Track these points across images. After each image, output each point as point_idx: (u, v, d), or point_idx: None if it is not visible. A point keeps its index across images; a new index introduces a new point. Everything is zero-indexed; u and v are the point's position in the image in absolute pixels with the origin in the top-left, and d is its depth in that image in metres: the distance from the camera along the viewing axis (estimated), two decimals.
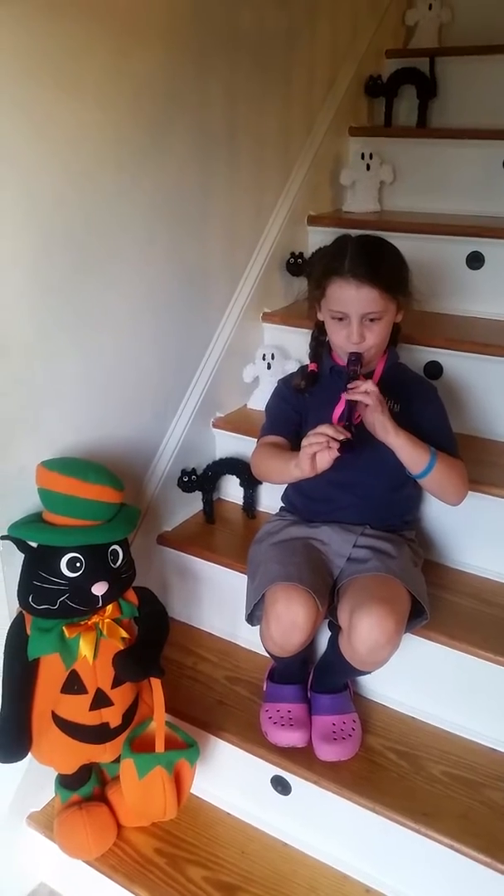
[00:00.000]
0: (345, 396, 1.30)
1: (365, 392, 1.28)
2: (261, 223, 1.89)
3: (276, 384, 1.57)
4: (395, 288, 1.34)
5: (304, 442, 1.28)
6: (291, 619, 1.26)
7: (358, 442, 1.27)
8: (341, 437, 1.24)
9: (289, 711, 1.42)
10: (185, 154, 1.57)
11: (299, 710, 1.42)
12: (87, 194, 1.34)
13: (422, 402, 1.44)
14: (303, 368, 1.52)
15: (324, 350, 1.48)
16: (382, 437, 1.31)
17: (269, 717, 1.41)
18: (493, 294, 1.87)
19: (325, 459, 1.27)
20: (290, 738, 1.38)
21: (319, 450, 1.26)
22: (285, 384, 1.53)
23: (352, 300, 1.31)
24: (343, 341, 1.35)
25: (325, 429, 1.26)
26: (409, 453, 1.33)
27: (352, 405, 1.30)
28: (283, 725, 1.39)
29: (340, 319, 1.35)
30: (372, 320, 1.33)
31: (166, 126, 1.50)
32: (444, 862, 1.25)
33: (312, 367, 1.48)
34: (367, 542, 1.39)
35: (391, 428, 1.30)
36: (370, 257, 1.32)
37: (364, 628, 1.21)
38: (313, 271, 1.42)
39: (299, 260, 1.96)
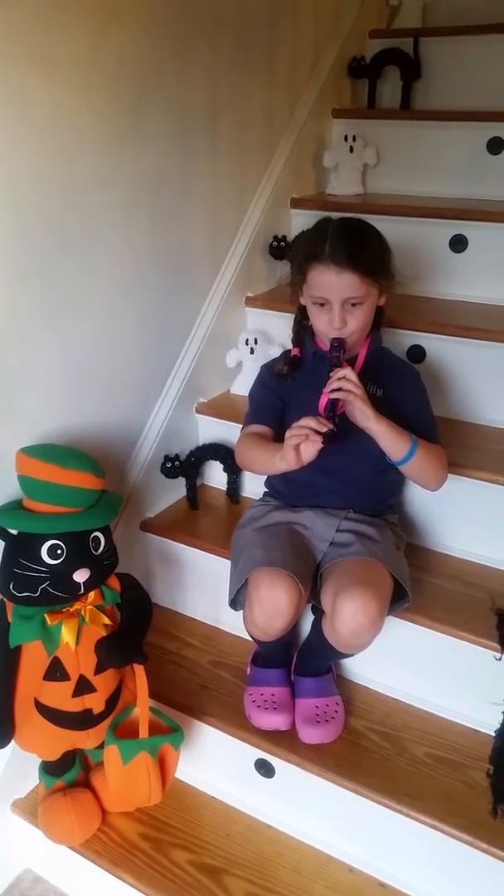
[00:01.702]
0: (325, 392, 1.30)
1: (343, 378, 1.28)
2: (243, 206, 1.88)
3: (259, 370, 1.56)
4: (377, 272, 1.33)
5: (288, 433, 1.28)
6: (274, 603, 1.26)
7: (343, 433, 1.27)
8: (324, 430, 1.24)
9: (272, 695, 1.42)
10: (165, 136, 1.55)
11: (283, 693, 1.43)
12: (66, 176, 1.32)
13: (404, 387, 1.44)
14: (286, 353, 1.51)
15: (307, 335, 1.47)
16: (363, 423, 1.31)
17: (253, 701, 1.42)
18: (477, 277, 1.87)
19: (310, 451, 1.27)
20: (274, 721, 1.39)
21: (302, 441, 1.26)
22: (268, 370, 1.52)
23: (332, 286, 1.30)
24: (325, 327, 1.35)
25: (307, 421, 1.26)
26: (389, 441, 1.33)
27: (335, 405, 1.29)
28: (266, 709, 1.40)
29: (322, 305, 1.34)
30: (354, 304, 1.32)
31: (146, 108, 1.48)
32: (426, 842, 1.26)
33: (295, 351, 1.48)
34: (350, 525, 1.39)
35: (371, 415, 1.30)
36: (351, 241, 1.31)
37: (347, 611, 1.21)
38: (295, 256, 1.41)
39: (282, 243, 1.95)
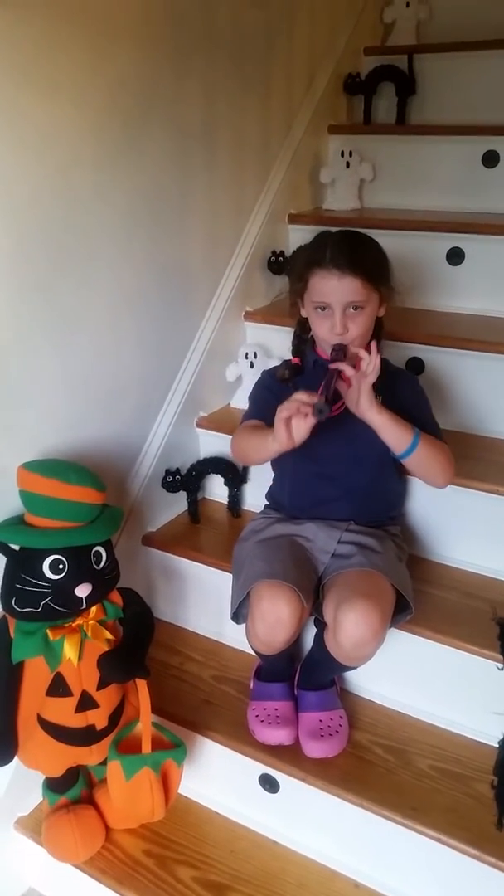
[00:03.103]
0: (331, 367, 1.31)
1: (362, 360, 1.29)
2: (241, 222, 1.89)
3: (259, 375, 1.57)
4: (377, 278, 1.35)
5: (278, 409, 1.26)
6: (276, 616, 1.26)
7: (333, 406, 1.26)
8: (314, 401, 1.22)
9: (276, 709, 1.42)
10: (163, 153, 1.56)
11: (286, 707, 1.42)
12: (64, 193, 1.34)
13: (405, 392, 1.44)
14: (286, 361, 1.52)
15: (306, 346, 1.49)
16: (365, 413, 1.31)
17: (257, 716, 1.41)
18: (474, 290, 1.88)
19: (302, 428, 1.24)
20: (278, 736, 1.38)
21: (292, 414, 1.24)
22: (270, 375, 1.53)
23: (334, 290, 1.32)
24: (326, 333, 1.36)
25: (297, 395, 1.25)
26: (391, 431, 1.32)
27: (331, 379, 1.28)
28: (270, 723, 1.39)
29: (323, 310, 1.35)
30: (355, 309, 1.33)
31: (144, 125, 1.49)
32: (432, 856, 1.25)
33: (296, 360, 1.49)
34: (352, 537, 1.39)
35: (375, 404, 1.30)
36: (352, 247, 1.34)
37: (349, 624, 1.21)
38: (294, 266, 1.43)
39: (280, 258, 1.96)
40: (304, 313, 1.44)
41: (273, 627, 1.27)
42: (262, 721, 1.40)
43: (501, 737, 1.34)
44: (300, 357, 1.49)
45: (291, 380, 1.45)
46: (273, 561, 1.33)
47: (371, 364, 1.29)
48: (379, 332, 1.47)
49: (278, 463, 1.47)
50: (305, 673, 1.46)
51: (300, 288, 1.40)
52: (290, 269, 1.50)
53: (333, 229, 1.42)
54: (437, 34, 2.29)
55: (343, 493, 1.43)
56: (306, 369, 1.47)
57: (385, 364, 1.47)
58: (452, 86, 2.16)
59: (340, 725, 1.40)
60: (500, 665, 1.32)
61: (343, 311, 1.33)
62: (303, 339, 1.50)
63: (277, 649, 1.31)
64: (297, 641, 1.42)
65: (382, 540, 1.41)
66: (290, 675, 1.48)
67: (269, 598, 1.26)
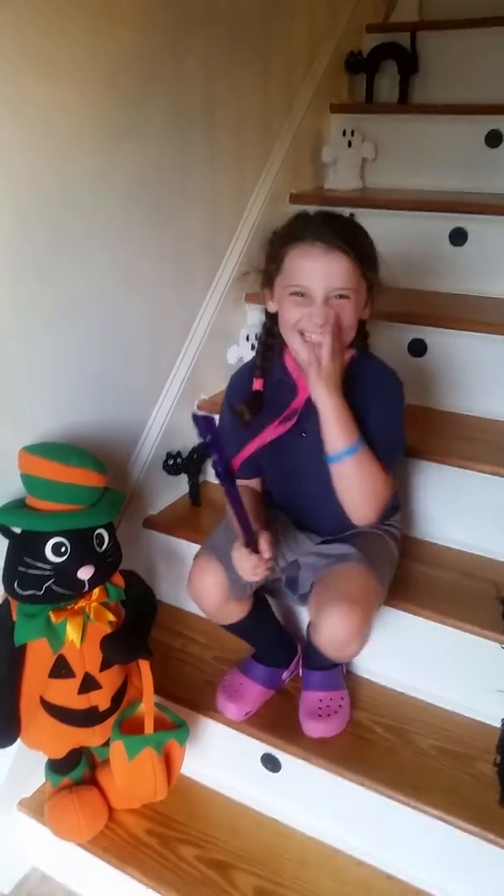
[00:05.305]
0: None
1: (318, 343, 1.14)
2: (242, 203, 1.88)
3: (225, 394, 1.39)
4: (367, 263, 1.16)
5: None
6: (202, 585, 1.27)
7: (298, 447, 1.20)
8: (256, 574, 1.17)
9: (240, 684, 1.44)
10: (163, 133, 1.55)
11: (251, 686, 1.44)
12: (64, 173, 1.32)
13: (373, 401, 1.22)
14: (246, 386, 1.30)
15: (273, 355, 1.29)
16: (318, 392, 1.15)
17: (223, 683, 1.45)
18: (477, 270, 1.86)
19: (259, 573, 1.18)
20: (227, 707, 1.41)
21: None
22: (230, 408, 1.31)
23: (317, 271, 1.12)
24: (304, 323, 1.16)
25: (236, 559, 1.18)
26: (332, 424, 1.16)
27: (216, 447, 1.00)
28: (227, 694, 1.42)
29: (301, 296, 1.15)
30: (340, 298, 1.14)
31: (143, 105, 1.48)
32: (433, 834, 1.27)
33: (257, 385, 1.28)
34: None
35: (333, 386, 1.15)
36: (341, 223, 1.16)
37: (327, 628, 1.18)
38: (268, 249, 1.22)
39: None
40: (272, 307, 1.23)
41: (200, 595, 1.28)
42: (224, 690, 1.43)
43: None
44: (264, 376, 1.29)
45: (252, 414, 1.27)
46: (220, 536, 1.31)
47: (324, 350, 1.13)
48: (362, 340, 1.28)
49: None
50: (307, 653, 1.46)
51: (272, 271, 1.18)
52: (266, 253, 1.23)
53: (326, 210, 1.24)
54: (439, 11, 2.27)
55: (319, 521, 1.36)
56: (270, 388, 1.28)
57: (367, 367, 1.27)
58: (455, 64, 2.14)
59: (340, 706, 1.41)
60: (503, 645, 1.32)
61: (325, 300, 1.13)
62: (269, 345, 1.28)
63: (213, 616, 1.32)
64: (291, 627, 1.46)
65: (371, 535, 1.35)
66: (278, 663, 1.47)
67: (196, 568, 1.28)
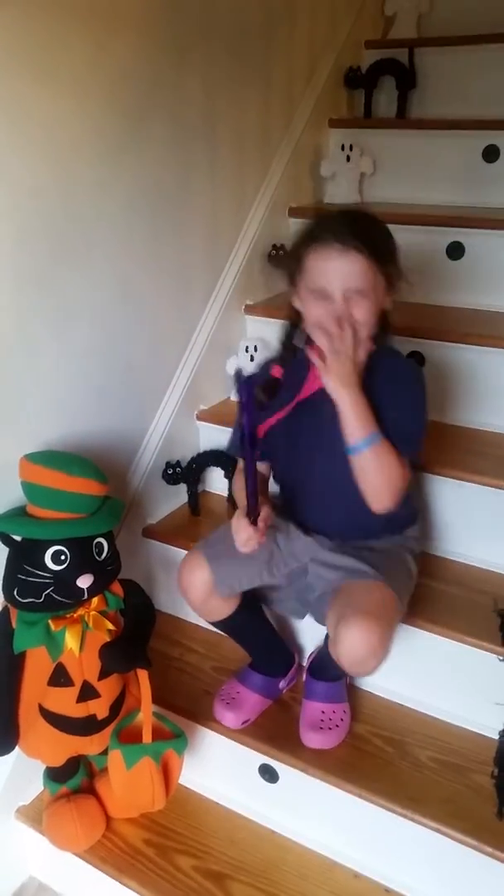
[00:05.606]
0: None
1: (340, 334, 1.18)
2: (241, 215, 1.89)
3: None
4: (384, 258, 1.19)
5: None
6: (188, 580, 1.32)
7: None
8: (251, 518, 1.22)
9: (237, 693, 1.45)
10: (164, 146, 1.56)
11: (248, 695, 1.44)
12: (66, 186, 1.34)
13: (393, 389, 1.25)
14: (265, 371, 1.34)
15: (293, 346, 1.34)
16: (336, 388, 1.19)
17: (220, 692, 1.46)
18: (474, 284, 1.88)
19: (250, 545, 1.24)
20: (222, 715, 1.42)
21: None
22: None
23: (335, 270, 1.17)
24: (326, 320, 1.19)
25: (235, 530, 1.24)
26: (352, 415, 1.19)
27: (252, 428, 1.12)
28: (225, 702, 1.43)
29: (322, 297, 1.19)
30: (358, 294, 1.18)
31: (144, 118, 1.49)
32: (431, 846, 1.26)
33: (276, 372, 1.31)
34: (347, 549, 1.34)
35: (355, 380, 1.19)
36: (357, 222, 1.20)
37: (346, 643, 1.17)
38: (291, 250, 1.28)
39: (281, 252, 1.96)
40: (298, 304, 1.27)
41: (186, 589, 1.33)
42: (221, 699, 1.44)
43: (502, 727, 1.35)
44: (284, 365, 1.32)
45: (270, 398, 1.29)
46: (216, 539, 1.35)
47: (344, 342, 1.17)
48: (385, 330, 1.30)
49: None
50: (316, 663, 1.47)
51: (296, 269, 1.23)
52: (288, 253, 1.29)
53: None
54: (438, 28, 2.29)
55: (333, 517, 1.37)
56: (289, 375, 1.31)
57: (388, 361, 1.31)
58: (453, 80, 2.16)
59: (342, 720, 1.41)
60: (502, 657, 1.33)
61: (343, 298, 1.18)
62: (290, 335, 1.34)
63: (198, 610, 1.36)
64: (292, 641, 1.47)
65: (390, 549, 1.36)
66: (274, 672, 1.47)
67: (185, 563, 1.34)
